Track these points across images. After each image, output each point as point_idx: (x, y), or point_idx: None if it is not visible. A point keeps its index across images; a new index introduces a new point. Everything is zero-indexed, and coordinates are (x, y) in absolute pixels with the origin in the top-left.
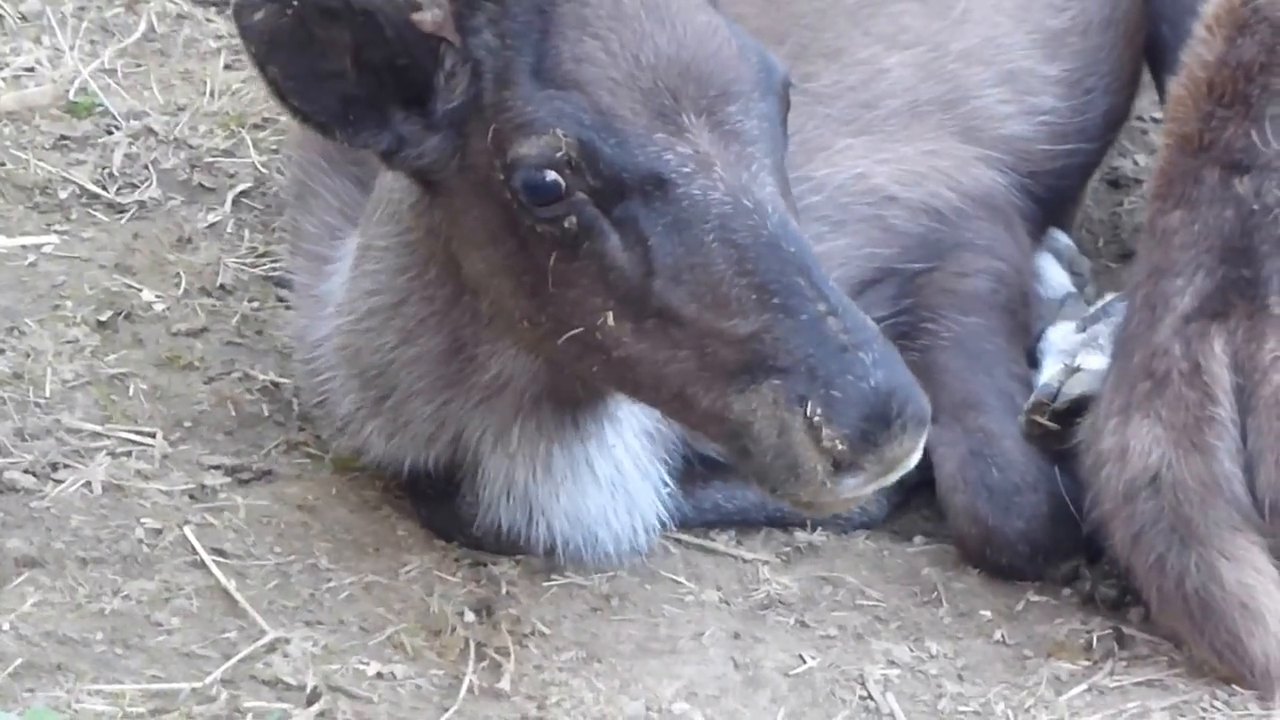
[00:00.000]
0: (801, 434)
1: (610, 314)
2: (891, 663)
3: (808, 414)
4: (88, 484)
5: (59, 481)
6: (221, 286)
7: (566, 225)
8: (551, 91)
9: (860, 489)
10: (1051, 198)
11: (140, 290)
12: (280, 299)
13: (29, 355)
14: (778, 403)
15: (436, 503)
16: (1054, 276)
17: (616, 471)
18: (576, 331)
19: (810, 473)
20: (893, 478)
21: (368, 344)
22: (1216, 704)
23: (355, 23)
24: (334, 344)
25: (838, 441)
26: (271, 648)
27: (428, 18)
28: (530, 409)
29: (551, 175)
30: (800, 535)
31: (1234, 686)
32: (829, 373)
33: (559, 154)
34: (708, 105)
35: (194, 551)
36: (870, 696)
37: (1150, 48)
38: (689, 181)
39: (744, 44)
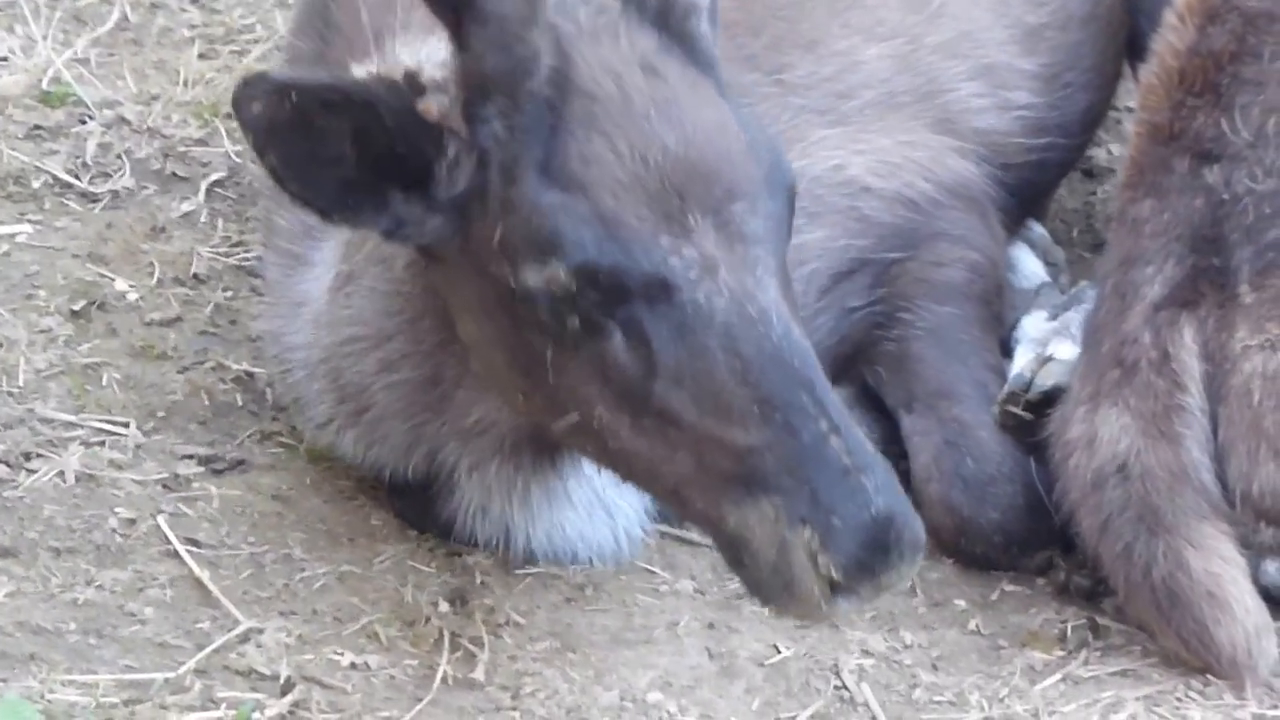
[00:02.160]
0: (801, 556)
1: (607, 408)
2: (866, 652)
3: (808, 538)
4: (61, 473)
5: (32, 471)
6: (195, 276)
7: (568, 323)
8: (557, 195)
9: (853, 610)
10: (1027, 190)
11: (114, 280)
12: (254, 289)
13: (1, 345)
14: (778, 521)
15: (412, 498)
16: (1028, 266)
17: (595, 496)
18: (570, 417)
19: (807, 593)
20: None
21: (347, 365)
22: (1191, 694)
23: (355, 112)
24: (312, 355)
25: (835, 569)
26: (245, 638)
27: (433, 107)
28: (510, 453)
29: (560, 297)
30: None
31: (1208, 677)
32: (831, 498)
33: (561, 282)
34: (714, 205)
35: (167, 541)
36: (845, 686)
37: (1130, 42)
38: (694, 287)
39: (754, 138)
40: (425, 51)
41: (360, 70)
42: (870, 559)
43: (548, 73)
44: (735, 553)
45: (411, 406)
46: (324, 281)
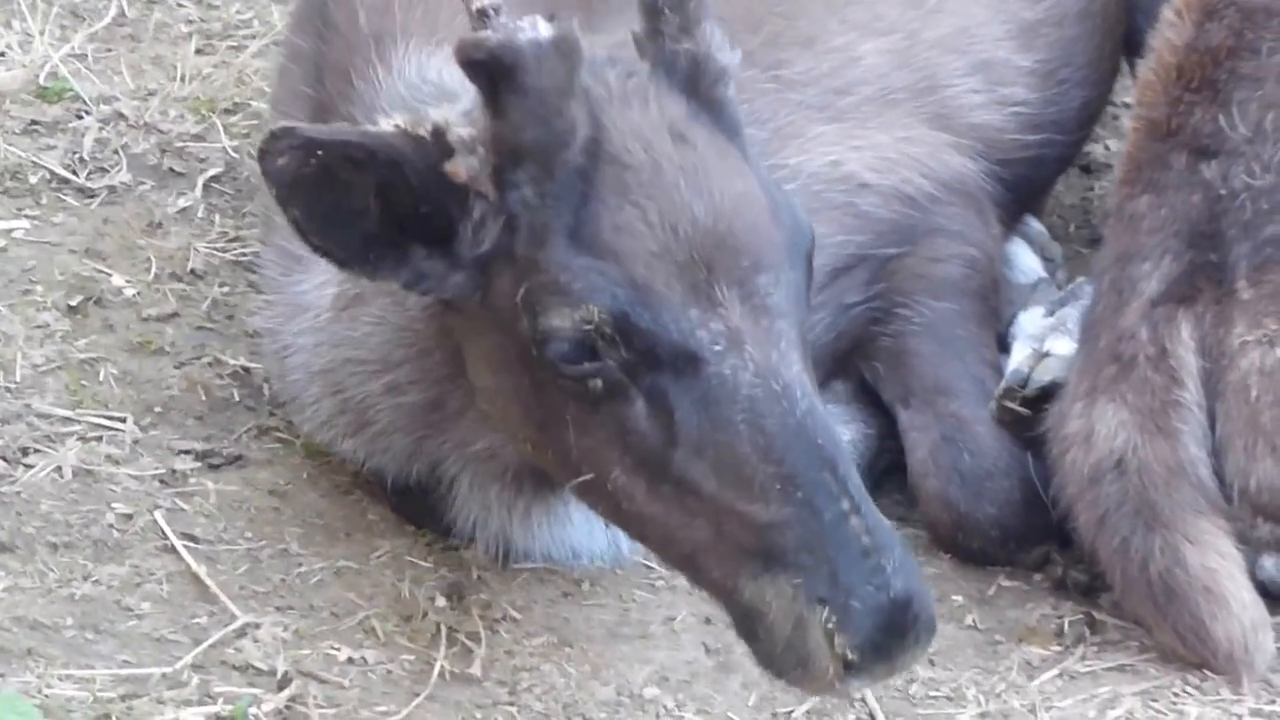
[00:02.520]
0: (818, 635)
1: (624, 471)
2: None
3: (825, 617)
4: (58, 469)
5: (29, 466)
6: (192, 271)
7: (591, 386)
8: (588, 260)
9: (864, 688)
10: (1024, 186)
11: (110, 275)
12: (251, 284)
13: None
14: (796, 599)
15: (411, 495)
16: (1025, 262)
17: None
18: (584, 476)
19: (821, 671)
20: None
21: (351, 384)
22: (1188, 689)
23: (380, 169)
24: (312, 363)
25: (850, 650)
26: (242, 633)
27: (461, 169)
28: (511, 479)
29: (584, 345)
30: None
31: (1205, 672)
32: (850, 580)
33: (592, 327)
34: (740, 277)
35: (164, 536)
36: None
37: (1127, 38)
38: (720, 360)
39: (777, 204)
40: (450, 95)
41: (386, 123)
42: (886, 641)
43: (583, 143)
44: (749, 625)
45: (415, 424)
46: (327, 291)
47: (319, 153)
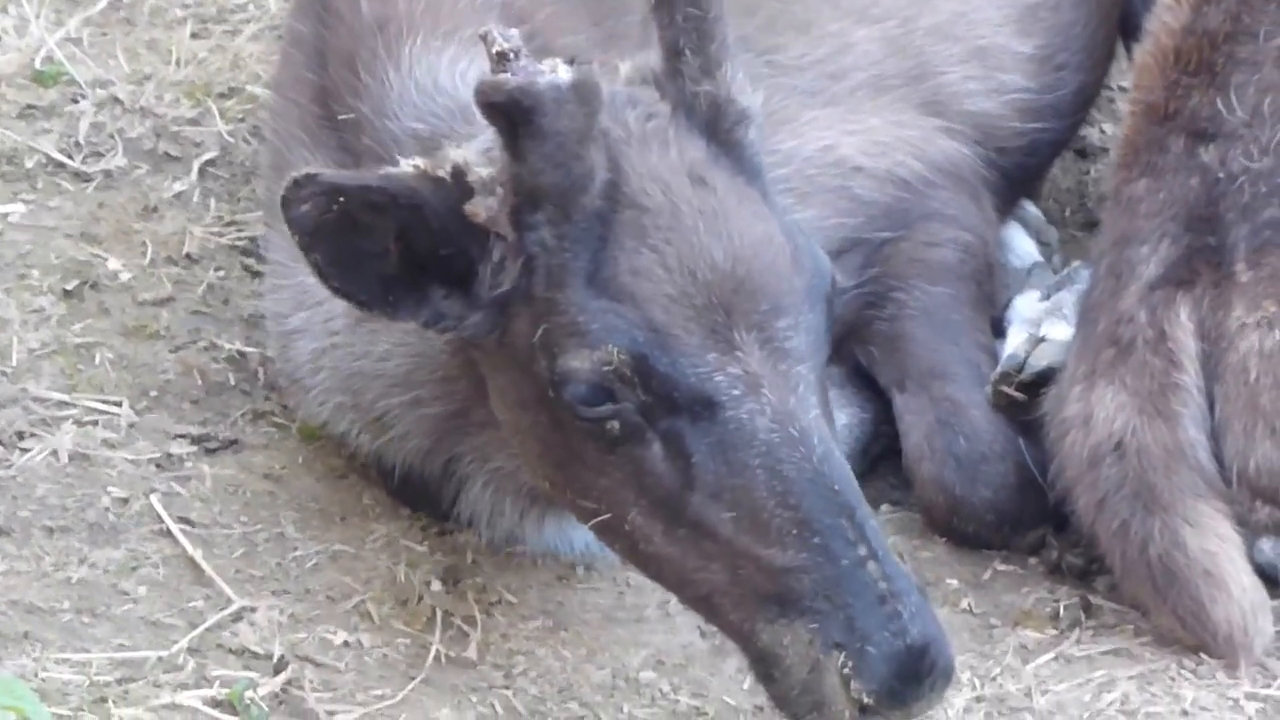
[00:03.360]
0: (834, 679)
1: (641, 513)
2: None
3: (841, 663)
4: (54, 453)
5: (25, 450)
6: (188, 256)
7: (608, 428)
8: (606, 302)
9: None
10: (1020, 171)
11: (106, 259)
12: (247, 268)
13: None
14: (813, 644)
15: (410, 481)
16: (1021, 246)
17: None
18: (601, 515)
19: (837, 716)
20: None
21: (370, 392)
22: (1184, 673)
23: (401, 213)
24: (322, 359)
25: (866, 696)
26: (238, 617)
27: (480, 210)
28: (525, 491)
29: (602, 387)
30: None
31: (1201, 655)
32: (866, 626)
33: (610, 368)
34: (759, 321)
35: (160, 520)
36: None
37: (1123, 21)
38: (738, 405)
39: (798, 247)
40: (471, 142)
41: (406, 164)
42: (902, 688)
43: (601, 187)
44: (765, 667)
45: (434, 430)
46: None
47: (341, 199)
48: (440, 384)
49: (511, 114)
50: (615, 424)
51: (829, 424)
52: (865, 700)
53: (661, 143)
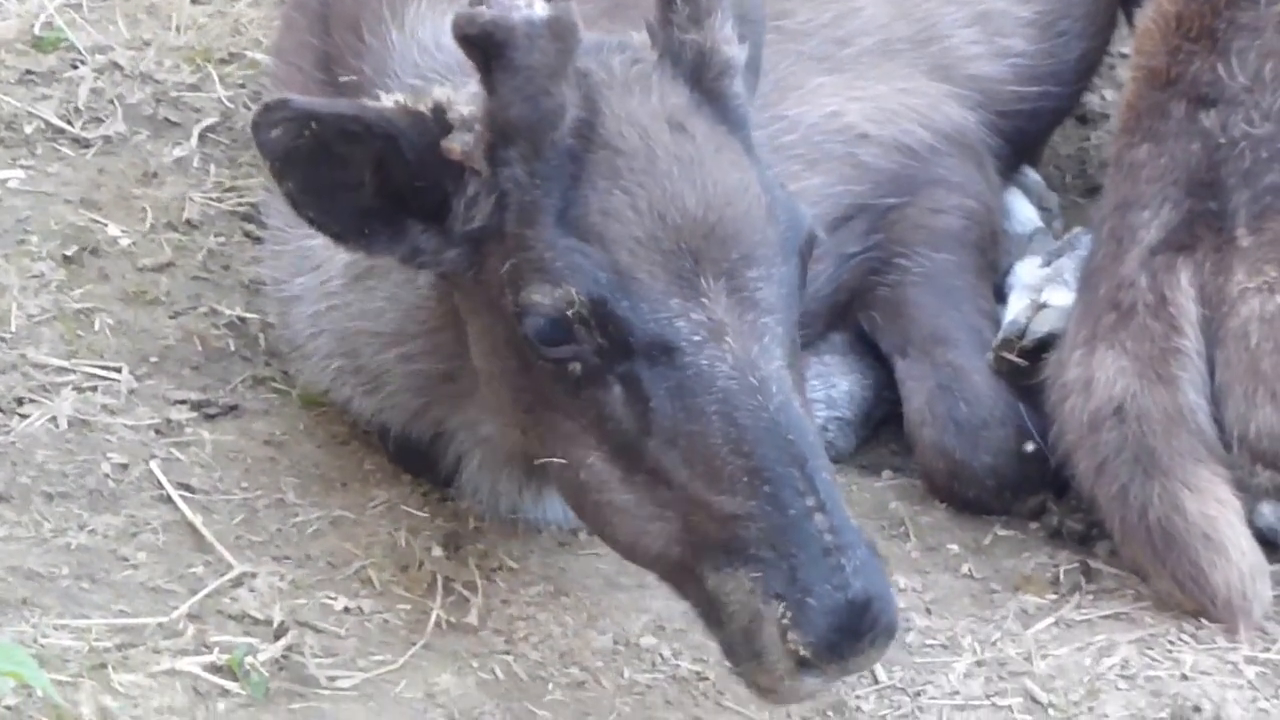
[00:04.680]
0: (772, 629)
1: (599, 457)
2: None
3: (780, 613)
4: (53, 419)
5: (25, 416)
6: (188, 221)
7: (570, 369)
8: (573, 241)
9: (819, 688)
10: (1022, 137)
11: (106, 225)
12: (247, 234)
13: None
14: (754, 593)
15: (410, 447)
16: (1023, 212)
17: None
18: (561, 462)
19: (773, 665)
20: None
21: (365, 351)
22: (1184, 637)
23: (377, 143)
24: (320, 321)
25: (802, 648)
26: (238, 582)
27: (456, 145)
28: (519, 462)
29: (561, 325)
30: None
31: (1201, 620)
32: (808, 577)
33: (571, 309)
34: (729, 269)
35: (160, 486)
36: None
37: None
38: (698, 351)
39: (774, 199)
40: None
41: (388, 99)
42: (840, 642)
43: (573, 124)
44: (711, 613)
45: (426, 389)
46: (340, 255)
47: (313, 125)
48: (429, 336)
49: (485, 47)
50: (577, 366)
51: (796, 377)
52: (802, 653)
53: (644, 87)
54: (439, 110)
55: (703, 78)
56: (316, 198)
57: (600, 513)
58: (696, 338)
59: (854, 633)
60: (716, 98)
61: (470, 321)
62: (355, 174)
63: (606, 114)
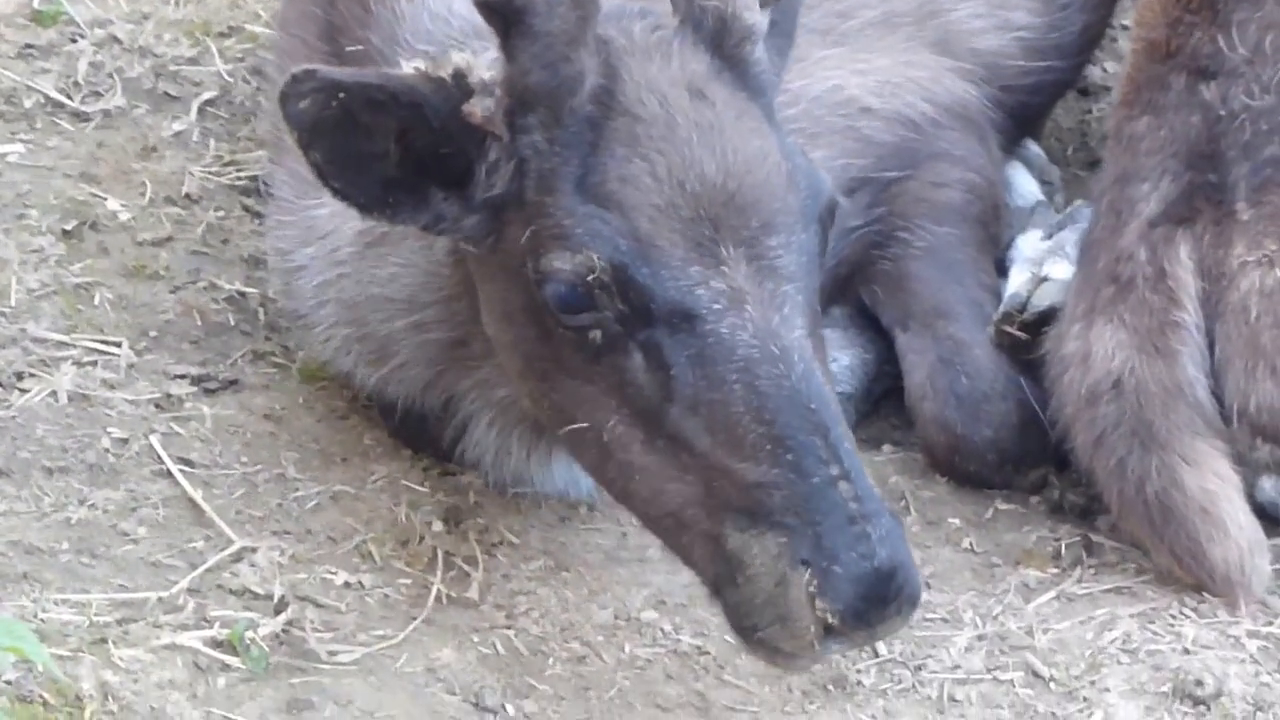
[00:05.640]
0: (800, 595)
1: (620, 423)
2: None
3: (807, 579)
4: (53, 393)
5: (24, 391)
6: (187, 196)
7: (590, 336)
8: (593, 208)
9: (841, 652)
10: (1025, 111)
11: (105, 199)
12: (246, 208)
13: None
14: (780, 557)
15: (411, 421)
16: (1024, 185)
17: None
18: (581, 426)
19: (802, 631)
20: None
21: (375, 320)
22: (1185, 611)
23: (401, 112)
24: (327, 290)
25: (831, 615)
26: (238, 557)
27: (478, 110)
28: (531, 432)
29: (582, 292)
30: None
31: (1203, 594)
32: (834, 545)
33: (592, 275)
34: (749, 237)
35: (160, 461)
36: None
37: None
38: (719, 319)
39: (795, 166)
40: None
41: (408, 66)
42: (867, 609)
43: (592, 91)
44: (729, 572)
45: (438, 359)
46: (349, 224)
47: (341, 95)
48: (443, 305)
49: (505, 13)
50: (597, 333)
51: (817, 345)
52: (830, 620)
53: (664, 54)
54: (460, 76)
55: (723, 44)
56: (343, 168)
57: (621, 474)
58: (717, 305)
59: (881, 600)
60: (737, 64)
61: (486, 289)
62: (380, 143)
63: (626, 81)
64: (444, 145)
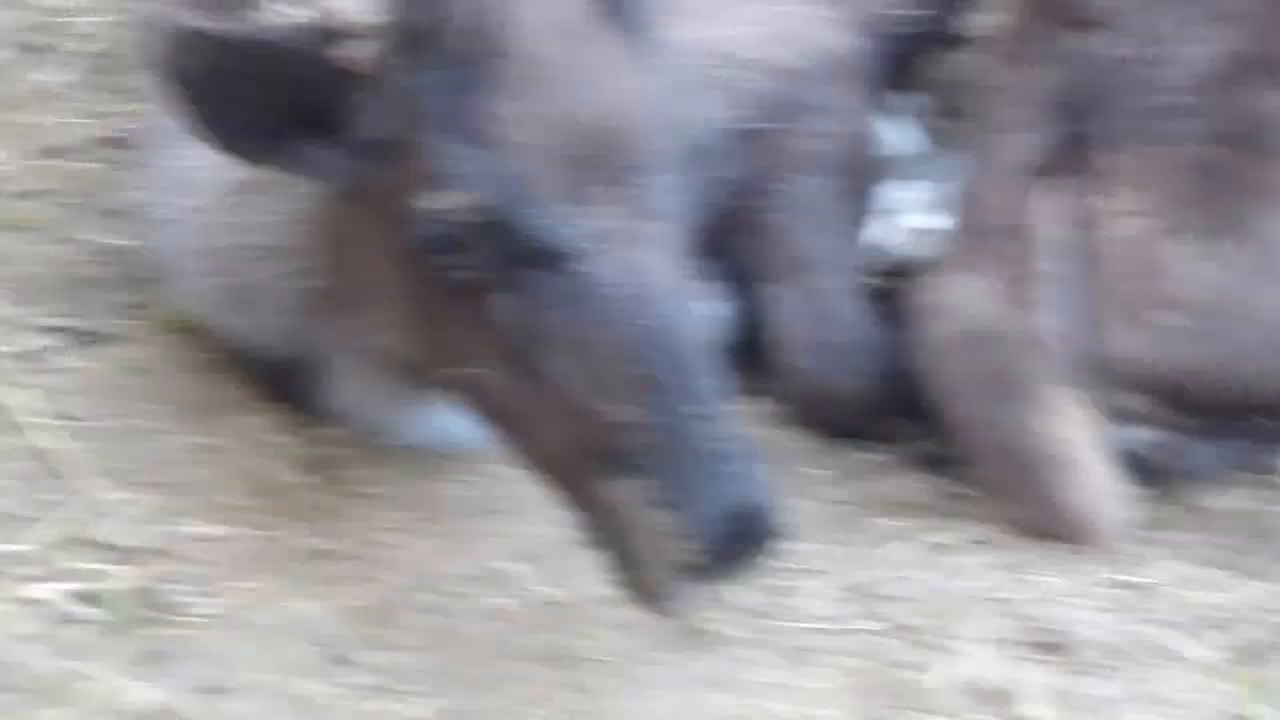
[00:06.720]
0: (657, 538)
1: (489, 365)
2: None
3: (665, 521)
4: None
5: None
6: (54, 148)
7: (460, 278)
8: (463, 148)
9: (703, 595)
10: (897, 62)
11: None
12: (114, 161)
13: None
14: (642, 499)
15: (274, 372)
16: (895, 137)
17: None
18: (457, 370)
19: (660, 572)
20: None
21: (240, 267)
22: (1043, 560)
23: (270, 57)
24: (197, 243)
25: (687, 555)
26: (99, 510)
27: (345, 54)
28: (396, 376)
29: (449, 231)
30: None
31: (1061, 543)
32: (690, 485)
33: (462, 216)
34: (619, 176)
35: (21, 414)
36: None
37: None
38: (584, 257)
39: (667, 108)
40: None
41: (275, 9)
42: (726, 550)
43: (465, 29)
44: (595, 520)
45: (304, 307)
46: (217, 173)
47: (208, 43)
48: (308, 254)
49: None
50: (470, 275)
51: (685, 287)
52: (690, 560)
53: None
54: (327, 19)
55: None
56: (210, 115)
57: (500, 418)
58: (583, 244)
59: (740, 540)
60: (616, 2)
61: (358, 234)
62: (249, 88)
63: (501, 19)
64: (315, 89)
